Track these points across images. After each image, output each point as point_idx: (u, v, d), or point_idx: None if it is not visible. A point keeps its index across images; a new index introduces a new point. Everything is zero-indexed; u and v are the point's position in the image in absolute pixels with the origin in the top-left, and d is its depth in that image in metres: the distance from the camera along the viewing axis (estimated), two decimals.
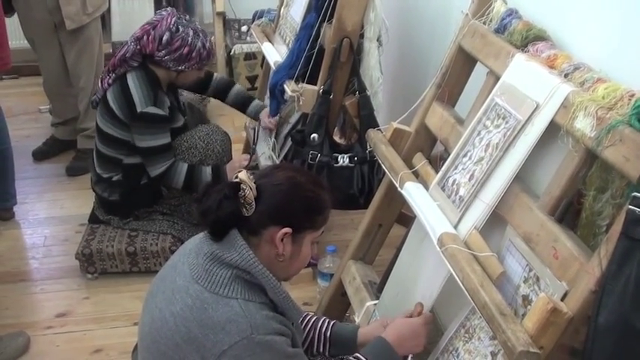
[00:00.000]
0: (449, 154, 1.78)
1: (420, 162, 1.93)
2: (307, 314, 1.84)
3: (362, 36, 2.58)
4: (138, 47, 2.67)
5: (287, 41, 3.02)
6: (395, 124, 2.05)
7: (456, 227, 1.62)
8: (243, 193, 1.43)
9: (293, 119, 2.96)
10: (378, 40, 2.62)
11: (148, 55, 2.67)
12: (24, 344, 2.44)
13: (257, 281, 1.45)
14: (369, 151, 2.51)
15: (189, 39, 2.66)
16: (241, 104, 3.19)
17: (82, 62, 3.58)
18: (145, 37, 2.65)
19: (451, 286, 1.57)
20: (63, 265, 2.93)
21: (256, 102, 3.19)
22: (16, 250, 3.07)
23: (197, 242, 1.53)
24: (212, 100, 3.77)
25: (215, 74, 3.19)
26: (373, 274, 2.21)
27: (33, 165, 3.81)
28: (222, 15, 4.65)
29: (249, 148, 3.22)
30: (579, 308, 1.24)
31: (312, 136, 2.59)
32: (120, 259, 2.81)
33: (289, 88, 2.64)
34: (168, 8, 2.78)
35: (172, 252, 2.29)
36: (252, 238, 1.47)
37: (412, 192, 1.78)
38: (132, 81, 2.67)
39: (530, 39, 1.65)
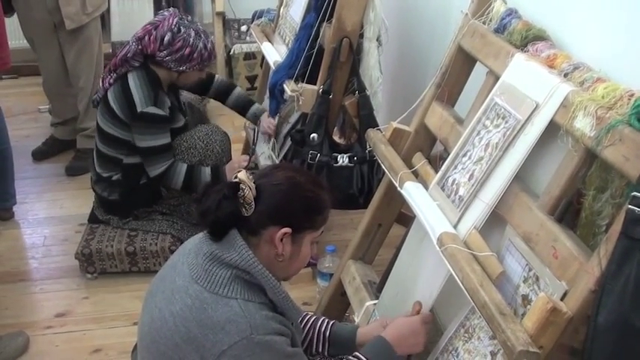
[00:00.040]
0: (448, 154, 1.78)
1: (420, 162, 1.93)
2: (307, 314, 1.84)
3: (361, 36, 2.58)
4: (139, 47, 2.67)
5: (286, 41, 3.02)
6: (394, 124, 2.05)
7: (455, 227, 1.62)
8: (242, 193, 1.43)
9: (292, 119, 2.96)
10: (377, 40, 2.62)
11: (150, 55, 2.67)
12: (23, 344, 2.44)
13: (256, 281, 1.44)
14: (369, 151, 2.51)
15: (191, 40, 2.66)
16: (241, 107, 3.19)
17: (81, 62, 3.57)
18: (146, 37, 2.65)
19: (451, 285, 1.57)
20: (62, 265, 2.93)
21: (256, 106, 3.19)
22: (15, 250, 3.07)
23: (196, 242, 1.53)
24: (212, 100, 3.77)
25: (217, 76, 3.19)
26: (373, 274, 2.21)
27: (32, 165, 3.81)
28: (221, 15, 4.65)
29: (249, 149, 3.22)
30: (579, 308, 1.24)
31: (312, 135, 2.59)
32: (119, 259, 2.81)
33: (289, 87, 2.64)
34: (171, 9, 2.78)
35: (172, 252, 2.29)
36: (251, 238, 1.47)
37: (412, 192, 1.78)
38: (133, 81, 2.67)
39: (529, 39, 1.65)
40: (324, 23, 2.64)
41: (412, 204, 1.75)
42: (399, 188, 1.85)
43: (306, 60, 2.68)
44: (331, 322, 1.82)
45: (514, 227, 1.51)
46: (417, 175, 1.90)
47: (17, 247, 3.10)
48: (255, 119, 3.13)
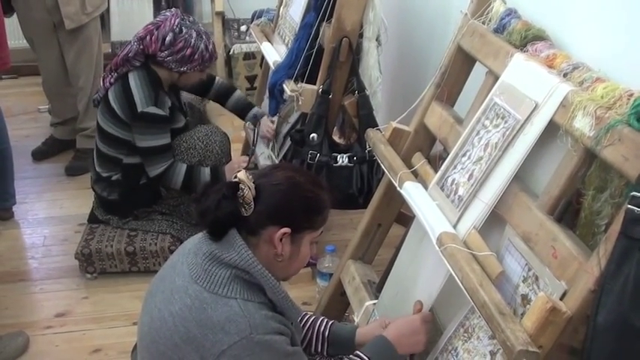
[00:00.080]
0: (448, 154, 1.78)
1: (419, 161, 1.93)
2: (306, 314, 1.84)
3: (361, 35, 2.58)
4: (141, 47, 2.67)
5: (286, 41, 3.02)
6: (394, 124, 2.05)
7: (455, 227, 1.62)
8: (241, 193, 1.43)
9: (292, 119, 2.96)
10: (377, 40, 2.62)
11: (151, 55, 2.67)
12: (23, 344, 2.44)
13: (256, 281, 1.44)
14: (368, 151, 2.52)
15: (193, 40, 2.66)
16: (241, 110, 3.19)
17: (81, 62, 3.58)
18: (148, 37, 2.65)
19: (450, 285, 1.57)
20: (62, 265, 2.93)
21: (256, 109, 3.19)
22: (15, 250, 3.07)
23: (196, 242, 1.53)
24: None
25: (217, 78, 3.19)
26: (372, 274, 2.21)
27: (32, 165, 3.81)
28: (221, 15, 4.65)
29: (249, 149, 3.22)
30: (578, 307, 1.24)
31: (312, 135, 2.59)
32: (119, 259, 2.81)
33: (288, 87, 2.64)
34: (173, 9, 2.78)
35: (171, 252, 2.30)
36: (251, 238, 1.47)
37: (411, 191, 1.78)
38: (133, 81, 2.67)
39: (529, 39, 1.65)
40: (324, 23, 2.64)
41: (412, 204, 1.75)
42: (398, 188, 1.85)
43: (305, 60, 2.68)
44: (330, 322, 1.82)
45: (513, 227, 1.51)
46: (416, 175, 1.90)
47: (17, 247, 3.10)
48: (255, 122, 3.13)
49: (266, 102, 3.22)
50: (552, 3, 1.71)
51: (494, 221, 1.57)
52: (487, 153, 1.59)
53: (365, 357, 1.62)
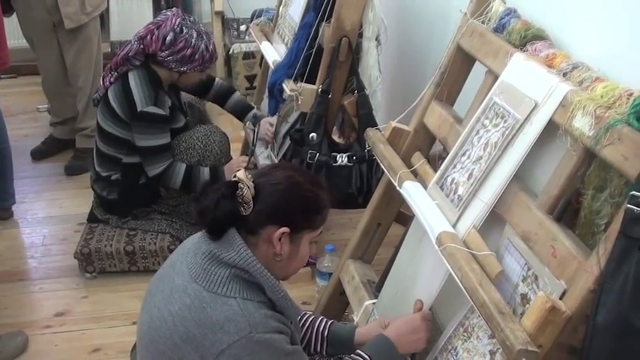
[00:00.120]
0: (447, 153, 1.78)
1: (419, 161, 1.93)
2: (305, 313, 1.83)
3: (361, 35, 2.58)
4: (141, 46, 2.67)
5: (286, 40, 3.02)
6: (393, 123, 2.05)
7: (454, 226, 1.62)
8: (241, 192, 1.43)
9: (292, 118, 2.96)
10: (376, 40, 2.62)
11: (151, 54, 2.67)
12: (23, 343, 2.44)
13: (255, 280, 1.44)
14: (368, 150, 2.52)
15: (193, 40, 2.66)
16: (240, 112, 3.19)
17: (80, 62, 3.57)
18: (148, 37, 2.65)
19: (450, 285, 1.57)
20: (61, 265, 2.93)
21: (254, 111, 3.19)
22: (14, 250, 3.07)
23: (195, 241, 1.53)
24: None
25: (217, 79, 3.19)
26: (372, 273, 2.21)
27: (31, 164, 3.81)
28: (220, 14, 4.65)
29: (248, 149, 3.22)
30: (578, 307, 1.24)
31: (311, 135, 2.59)
32: (118, 259, 2.81)
33: (288, 87, 2.64)
34: (174, 9, 2.78)
35: (171, 251, 2.29)
36: (250, 237, 1.47)
37: (411, 191, 1.78)
38: (133, 80, 2.67)
39: (528, 38, 1.65)
40: (323, 22, 2.64)
41: (411, 203, 1.75)
42: (398, 187, 1.85)
43: (305, 59, 2.68)
44: (330, 322, 1.82)
45: (513, 226, 1.51)
46: (416, 174, 1.90)
47: (16, 246, 3.10)
48: (255, 123, 3.13)
49: (265, 101, 3.22)
50: (552, 3, 1.71)
51: (494, 221, 1.57)
52: (487, 152, 1.59)
53: (366, 356, 1.62)
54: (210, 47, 2.73)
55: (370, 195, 2.26)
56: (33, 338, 2.50)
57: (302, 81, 2.67)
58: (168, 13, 2.72)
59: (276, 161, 2.88)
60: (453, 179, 1.69)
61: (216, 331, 1.38)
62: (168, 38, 2.63)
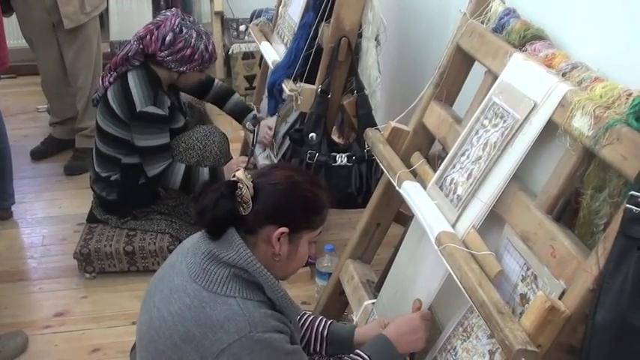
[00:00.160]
0: (447, 153, 1.78)
1: (418, 161, 1.93)
2: (305, 313, 1.84)
3: (360, 35, 2.58)
4: (140, 46, 2.67)
5: (285, 40, 3.02)
6: (393, 124, 2.05)
7: (453, 226, 1.62)
8: (240, 192, 1.43)
9: (291, 118, 2.96)
10: (376, 40, 2.62)
11: (150, 54, 2.67)
12: (22, 343, 2.44)
13: (255, 279, 1.44)
14: (367, 150, 2.52)
15: (193, 41, 2.66)
16: (238, 113, 3.19)
17: (80, 62, 3.58)
18: (148, 37, 2.65)
19: (449, 284, 1.57)
20: (61, 265, 2.93)
21: (253, 113, 3.19)
22: (14, 250, 3.07)
23: (195, 241, 1.53)
24: None
25: (216, 80, 3.19)
26: (371, 273, 2.21)
27: (31, 164, 3.81)
28: (220, 14, 4.65)
29: (248, 149, 3.21)
30: (577, 307, 1.24)
31: (311, 135, 2.59)
32: (118, 259, 2.81)
33: (287, 87, 2.64)
34: (173, 9, 2.78)
35: (170, 251, 2.29)
36: (249, 237, 1.47)
37: (410, 191, 1.78)
38: (132, 80, 2.67)
39: (527, 38, 1.66)
40: (323, 23, 2.64)
41: (410, 203, 1.75)
42: (397, 187, 1.85)
43: (304, 59, 2.68)
44: (329, 322, 1.82)
45: (512, 226, 1.51)
46: (415, 174, 1.90)
47: (16, 246, 3.10)
48: (254, 123, 3.13)
49: (265, 101, 3.21)
50: (551, 3, 1.71)
51: (493, 220, 1.58)
52: (486, 152, 1.59)
53: (365, 356, 1.62)
54: (210, 47, 2.73)
55: (369, 195, 2.26)
56: (32, 338, 2.50)
57: (301, 81, 2.67)
58: (168, 13, 2.72)
59: (276, 161, 2.88)
60: (452, 179, 1.69)
61: (216, 330, 1.38)
62: (167, 38, 2.63)
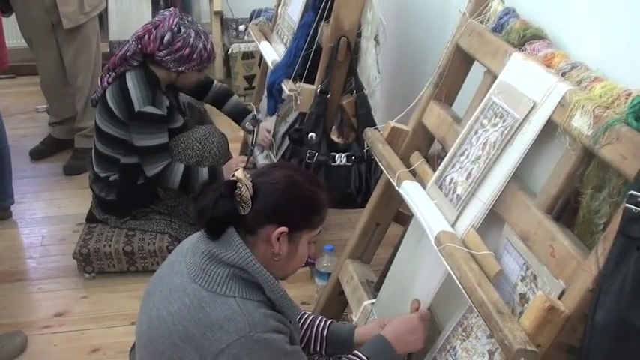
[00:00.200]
0: (446, 153, 1.78)
1: (418, 161, 1.93)
2: (304, 313, 1.84)
3: (359, 35, 2.58)
4: (139, 46, 2.66)
5: (284, 40, 3.02)
6: (392, 123, 2.05)
7: (453, 226, 1.62)
8: (239, 192, 1.43)
9: (290, 118, 2.96)
10: (375, 39, 2.62)
11: (149, 54, 2.67)
12: (22, 344, 2.44)
13: (254, 279, 1.44)
14: (367, 150, 2.52)
15: (191, 40, 2.66)
16: (237, 115, 3.18)
17: (79, 61, 3.57)
18: (146, 37, 2.65)
19: (448, 284, 1.57)
20: (60, 265, 2.93)
21: (254, 112, 3.18)
22: (13, 250, 3.07)
23: (194, 241, 1.53)
24: None
25: (215, 82, 3.18)
26: (371, 273, 2.21)
27: (30, 164, 3.81)
28: (219, 14, 4.65)
29: (247, 149, 3.21)
30: (576, 306, 1.24)
31: (310, 135, 2.59)
32: (117, 259, 2.81)
33: (287, 87, 2.64)
34: (171, 9, 2.78)
35: (170, 251, 2.29)
36: (248, 237, 1.47)
37: (409, 191, 1.79)
38: (131, 80, 2.67)
39: (527, 38, 1.66)
40: (322, 22, 2.64)
41: (410, 203, 1.75)
42: (396, 187, 1.85)
43: (303, 59, 2.68)
44: (329, 321, 1.82)
45: (512, 226, 1.51)
46: (414, 174, 1.90)
47: (15, 246, 3.10)
48: (249, 131, 3.12)
49: (264, 101, 3.21)
50: (550, 2, 1.71)
51: (493, 220, 1.58)
52: (485, 152, 1.59)
53: (363, 357, 1.62)
54: (208, 47, 2.73)
55: (369, 195, 2.26)
56: (32, 338, 2.50)
57: (301, 81, 2.67)
58: (166, 12, 2.72)
59: (275, 161, 2.88)
60: (451, 179, 1.69)
61: (215, 330, 1.38)
62: (166, 38, 2.63)
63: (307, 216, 1.52)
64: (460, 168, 1.67)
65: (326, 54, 2.58)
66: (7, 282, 2.84)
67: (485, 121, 1.64)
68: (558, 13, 1.68)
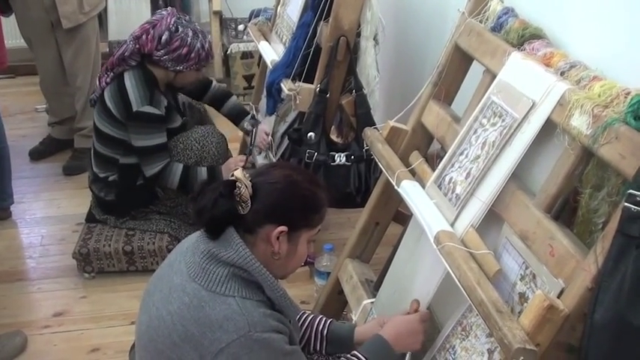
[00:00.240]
0: (445, 153, 1.78)
1: (417, 160, 1.94)
2: (304, 312, 1.84)
3: (358, 34, 2.58)
4: (137, 46, 2.66)
5: (284, 40, 3.02)
6: (391, 123, 2.05)
7: (452, 225, 1.62)
8: (238, 191, 1.43)
9: (290, 118, 2.96)
10: (374, 39, 2.63)
11: (147, 54, 2.67)
12: (21, 344, 2.44)
13: (254, 279, 1.45)
14: (366, 150, 2.52)
15: (189, 39, 2.66)
16: (235, 116, 3.17)
17: (78, 61, 3.57)
18: (144, 36, 2.65)
19: (448, 283, 1.57)
20: (60, 265, 2.93)
21: (253, 112, 3.18)
22: (13, 250, 3.07)
23: (194, 241, 1.53)
24: None
25: (214, 83, 3.18)
26: (370, 273, 2.21)
27: (30, 164, 3.81)
28: (218, 14, 4.65)
29: (246, 149, 3.21)
30: (575, 305, 1.24)
31: (309, 134, 2.59)
32: (117, 258, 2.81)
33: (286, 86, 2.64)
34: (169, 8, 2.78)
35: (169, 251, 2.29)
36: (248, 237, 1.47)
37: (409, 190, 1.79)
38: (129, 80, 2.67)
39: (526, 37, 1.66)
40: (321, 22, 2.64)
41: (409, 202, 1.76)
42: (396, 187, 1.85)
43: (303, 59, 2.68)
44: (329, 321, 1.82)
45: (511, 225, 1.52)
46: (414, 173, 1.90)
47: (14, 246, 3.10)
48: (248, 131, 3.12)
49: (264, 101, 3.21)
50: (549, 2, 1.71)
51: (492, 219, 1.58)
52: (484, 151, 1.59)
53: (362, 357, 1.63)
54: (206, 46, 2.73)
55: (368, 194, 2.26)
56: (32, 338, 2.50)
57: (300, 80, 2.67)
58: (164, 12, 2.71)
59: (274, 161, 2.87)
60: (450, 178, 1.70)
61: (215, 329, 1.38)
62: (163, 37, 2.63)
63: (307, 215, 1.52)
64: (459, 167, 1.67)
65: (325, 53, 2.58)
66: (7, 282, 2.83)
67: (484, 121, 1.64)
68: (557, 13, 1.68)
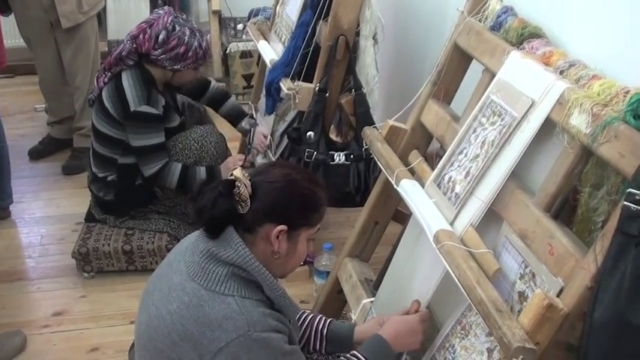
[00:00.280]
0: (445, 152, 1.78)
1: (416, 159, 1.94)
2: (304, 312, 1.84)
3: (358, 34, 2.58)
4: (134, 46, 2.66)
5: (283, 39, 3.02)
6: (391, 122, 2.05)
7: (452, 224, 1.62)
8: (238, 191, 1.43)
9: (289, 117, 2.96)
10: (373, 38, 2.63)
11: (144, 53, 2.66)
12: (21, 343, 2.44)
13: (253, 278, 1.44)
14: (365, 149, 2.52)
15: (186, 38, 2.66)
16: (234, 117, 3.16)
17: (78, 61, 3.57)
18: (141, 36, 2.65)
19: (447, 282, 1.57)
20: (59, 264, 2.93)
21: (250, 113, 3.18)
22: (12, 249, 3.06)
23: (193, 240, 1.53)
24: None
25: (213, 83, 3.18)
26: (369, 272, 2.21)
27: (29, 164, 3.81)
28: (217, 13, 4.65)
29: (245, 148, 3.21)
30: (575, 304, 1.24)
31: (309, 133, 2.59)
32: (116, 258, 2.81)
33: (285, 85, 2.64)
34: (166, 7, 2.78)
35: (169, 250, 2.29)
36: (247, 236, 1.47)
37: (408, 189, 1.79)
38: (126, 80, 2.67)
39: (525, 36, 1.66)
40: (321, 21, 2.64)
41: (408, 201, 1.75)
42: (395, 186, 1.85)
43: (302, 58, 2.68)
44: (328, 320, 1.82)
45: (510, 224, 1.52)
46: (413, 172, 1.90)
47: (14, 246, 3.10)
48: (245, 132, 3.12)
49: (263, 100, 3.21)
50: (549, 1, 1.71)
51: (491, 218, 1.58)
52: (484, 150, 1.59)
53: (362, 357, 1.63)
54: (204, 44, 2.73)
55: (368, 193, 2.26)
56: (31, 338, 2.50)
57: (299, 79, 2.68)
58: (160, 11, 2.71)
59: (274, 160, 2.87)
60: (450, 177, 1.70)
61: (214, 329, 1.38)
62: (160, 36, 2.63)
63: (306, 214, 1.52)
64: (459, 166, 1.67)
65: (324, 53, 2.58)
66: (6, 282, 2.83)
67: (483, 120, 1.64)
68: (556, 12, 1.68)
